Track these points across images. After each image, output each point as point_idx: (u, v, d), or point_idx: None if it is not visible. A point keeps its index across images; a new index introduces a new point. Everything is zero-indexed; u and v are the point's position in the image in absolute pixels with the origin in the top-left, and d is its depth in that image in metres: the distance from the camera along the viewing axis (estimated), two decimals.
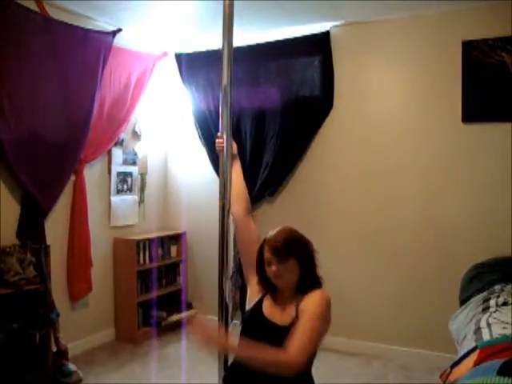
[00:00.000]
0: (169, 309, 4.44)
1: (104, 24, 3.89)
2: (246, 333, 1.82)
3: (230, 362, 1.86)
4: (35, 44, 3.32)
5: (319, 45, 3.97)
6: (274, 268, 1.76)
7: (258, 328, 1.81)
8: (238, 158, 2.02)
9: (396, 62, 3.82)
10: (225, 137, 1.86)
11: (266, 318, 1.80)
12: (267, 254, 1.78)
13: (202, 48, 4.42)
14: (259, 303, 1.86)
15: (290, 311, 1.76)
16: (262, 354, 1.61)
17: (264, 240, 1.82)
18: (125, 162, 4.26)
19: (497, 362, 1.66)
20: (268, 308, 1.83)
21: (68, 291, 3.74)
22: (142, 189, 4.49)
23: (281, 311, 1.80)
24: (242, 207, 1.97)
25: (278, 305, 1.82)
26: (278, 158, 4.12)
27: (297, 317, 1.72)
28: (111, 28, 3.91)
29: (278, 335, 1.69)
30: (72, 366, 3.36)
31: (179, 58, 4.61)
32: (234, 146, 1.97)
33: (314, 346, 1.69)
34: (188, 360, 3.73)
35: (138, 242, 4.18)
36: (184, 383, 3.36)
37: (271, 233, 1.82)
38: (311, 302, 1.73)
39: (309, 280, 1.80)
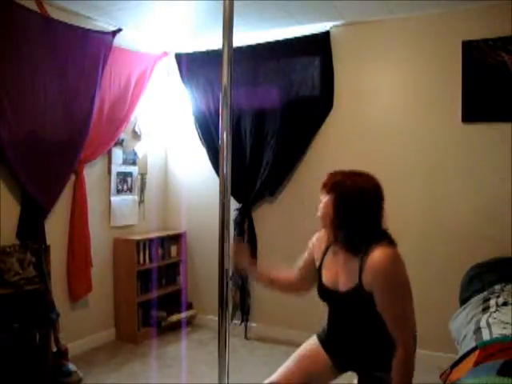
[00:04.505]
0: (169, 309, 4.44)
1: (104, 24, 3.89)
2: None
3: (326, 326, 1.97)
4: (35, 44, 3.32)
5: (319, 45, 3.97)
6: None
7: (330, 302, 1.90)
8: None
9: (396, 62, 3.82)
10: (225, 136, 1.86)
11: (325, 286, 1.86)
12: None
13: (202, 48, 4.41)
14: (320, 268, 1.93)
15: (352, 270, 1.75)
16: (396, 377, 1.63)
17: None
18: (125, 162, 4.26)
19: (497, 362, 1.66)
20: (329, 267, 1.89)
21: (68, 291, 3.74)
22: (142, 189, 4.49)
23: (342, 269, 1.82)
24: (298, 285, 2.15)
25: (338, 259, 1.85)
26: (278, 157, 4.12)
27: (360, 281, 1.70)
28: (111, 28, 3.91)
29: (345, 302, 1.77)
30: (72, 366, 3.35)
31: (179, 58, 4.60)
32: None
33: (411, 311, 1.69)
34: (188, 360, 3.73)
35: (138, 242, 4.18)
36: (184, 383, 3.36)
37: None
38: (373, 266, 1.68)
39: (361, 231, 1.77)
